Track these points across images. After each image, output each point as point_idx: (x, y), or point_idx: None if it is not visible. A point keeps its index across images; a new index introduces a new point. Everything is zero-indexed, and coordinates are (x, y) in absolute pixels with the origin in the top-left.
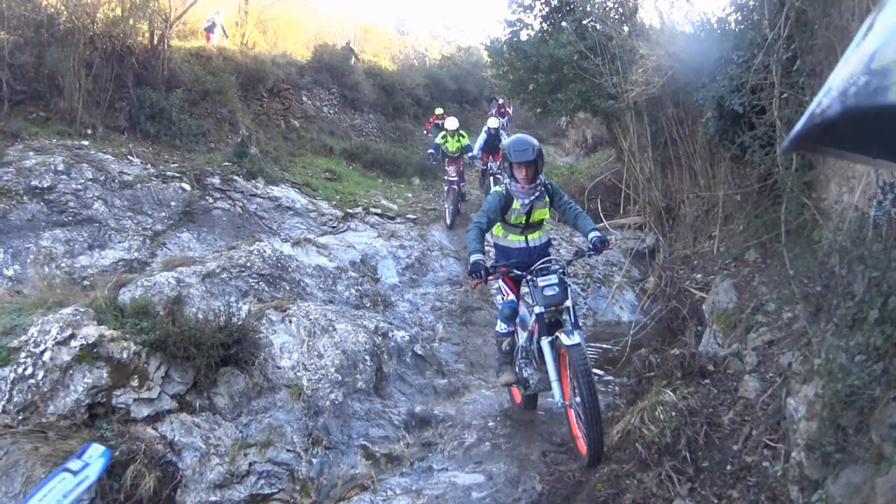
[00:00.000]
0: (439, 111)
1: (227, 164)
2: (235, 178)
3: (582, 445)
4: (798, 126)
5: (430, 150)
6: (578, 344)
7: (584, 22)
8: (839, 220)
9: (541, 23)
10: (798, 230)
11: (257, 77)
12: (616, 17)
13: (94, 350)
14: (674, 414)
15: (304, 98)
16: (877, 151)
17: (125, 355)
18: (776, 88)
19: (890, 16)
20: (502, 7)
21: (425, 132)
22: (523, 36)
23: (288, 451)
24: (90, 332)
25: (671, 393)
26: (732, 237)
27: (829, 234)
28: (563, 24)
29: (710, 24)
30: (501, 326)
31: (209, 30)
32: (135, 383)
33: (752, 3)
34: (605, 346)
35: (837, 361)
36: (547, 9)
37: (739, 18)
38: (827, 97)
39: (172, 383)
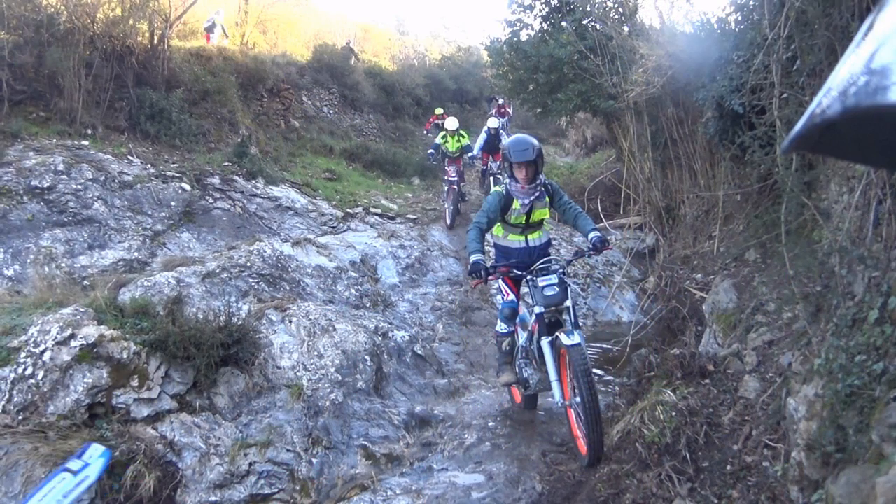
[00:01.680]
0: (439, 111)
1: (227, 164)
2: (235, 178)
3: (582, 445)
4: (798, 126)
5: (430, 150)
6: (578, 344)
7: (584, 22)
8: (839, 220)
9: (541, 23)
10: (798, 230)
11: (257, 77)
12: (616, 17)
13: (94, 350)
14: (674, 414)
15: (304, 98)
16: (877, 159)
17: (125, 355)
18: (776, 88)
19: (890, 16)
20: (502, 7)
21: (425, 132)
22: (523, 36)
23: (288, 451)
24: (90, 332)
25: (671, 393)
26: (732, 237)
27: (829, 234)
28: (563, 24)
29: (710, 24)
30: (501, 326)
31: (209, 30)
32: (135, 383)
33: (752, 3)
34: (605, 346)
35: (837, 361)
36: (547, 9)
37: (739, 18)
38: (827, 97)
39: (172, 383)
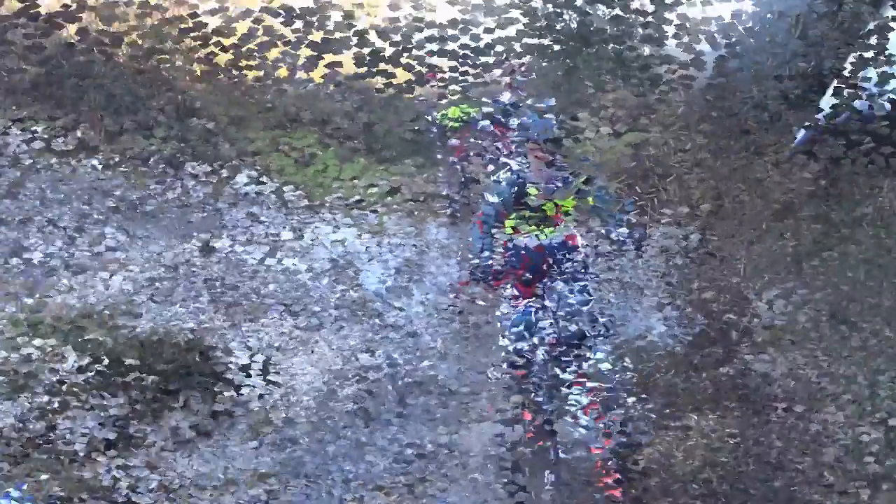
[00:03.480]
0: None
1: (175, 143)
2: (188, 164)
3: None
4: (804, 128)
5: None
6: None
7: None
8: None
9: None
10: (857, 234)
11: None
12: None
13: None
14: (710, 440)
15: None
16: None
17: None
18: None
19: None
20: None
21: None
22: None
23: (256, 489)
24: None
25: (706, 416)
26: (784, 243)
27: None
28: None
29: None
30: (510, 335)
31: None
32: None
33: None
34: (629, 363)
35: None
36: None
37: None
38: (834, 99)
39: (115, 408)
